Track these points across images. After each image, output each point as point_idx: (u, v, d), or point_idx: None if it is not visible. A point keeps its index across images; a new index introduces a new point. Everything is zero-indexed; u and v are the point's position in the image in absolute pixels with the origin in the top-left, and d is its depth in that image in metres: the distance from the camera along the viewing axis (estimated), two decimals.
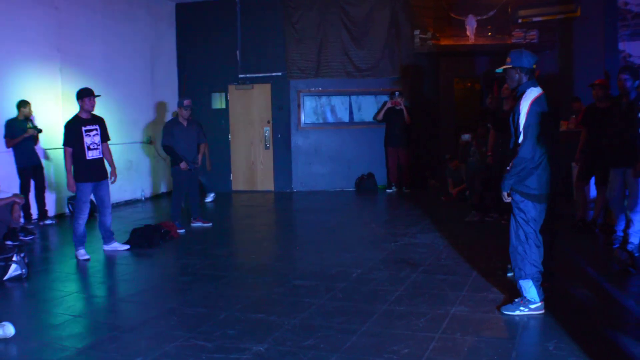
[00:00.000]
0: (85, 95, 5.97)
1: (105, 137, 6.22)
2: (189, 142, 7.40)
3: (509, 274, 4.74)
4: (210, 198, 9.89)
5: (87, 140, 6.00)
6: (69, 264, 5.93)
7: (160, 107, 10.88)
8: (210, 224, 7.67)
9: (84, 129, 5.98)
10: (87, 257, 5.94)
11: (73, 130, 5.95)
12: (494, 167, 6.87)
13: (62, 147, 5.98)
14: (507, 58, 4.03)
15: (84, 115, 6.03)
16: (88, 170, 6.00)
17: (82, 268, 5.73)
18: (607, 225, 6.27)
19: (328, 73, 10.62)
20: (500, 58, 4.22)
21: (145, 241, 6.42)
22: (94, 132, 6.07)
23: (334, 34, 10.54)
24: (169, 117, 10.94)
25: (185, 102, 7.41)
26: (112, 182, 6.25)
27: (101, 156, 6.15)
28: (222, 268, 5.57)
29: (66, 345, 3.66)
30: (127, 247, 6.36)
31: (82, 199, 6.02)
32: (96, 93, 6.08)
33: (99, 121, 6.17)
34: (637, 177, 5.31)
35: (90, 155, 6.01)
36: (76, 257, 5.96)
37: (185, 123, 7.40)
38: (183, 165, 7.30)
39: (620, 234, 5.58)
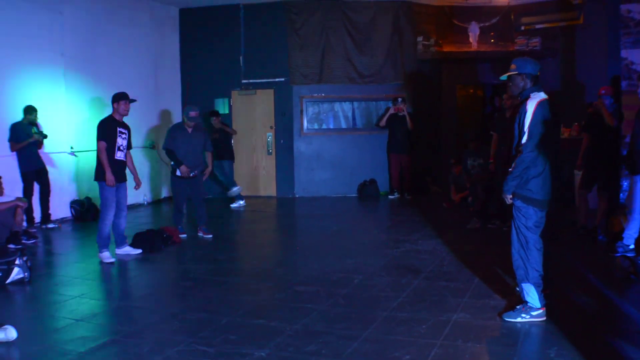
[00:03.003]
0: (121, 99, 6.08)
1: (129, 144, 6.33)
2: (190, 149, 7.12)
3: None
4: (236, 204, 9.78)
5: (119, 140, 6.10)
6: (71, 268, 5.95)
7: (164, 112, 10.91)
8: (211, 236, 7.17)
9: (119, 129, 6.10)
10: (111, 260, 5.95)
11: (110, 127, 6.04)
12: (496, 173, 6.88)
13: (97, 141, 6.00)
14: (511, 65, 4.04)
15: (118, 117, 6.14)
16: (114, 170, 6.02)
17: (84, 272, 5.74)
18: (609, 232, 6.27)
19: (331, 79, 10.64)
20: (502, 65, 4.23)
21: (147, 246, 6.43)
22: (125, 135, 6.19)
23: (336, 40, 10.56)
24: (172, 121, 10.97)
25: (192, 113, 7.05)
26: (136, 189, 6.45)
27: (125, 159, 6.24)
28: (224, 273, 5.58)
29: (68, 349, 3.66)
30: (139, 251, 6.34)
31: (109, 197, 6.03)
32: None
33: (128, 128, 6.30)
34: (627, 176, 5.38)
35: (118, 155, 6.10)
36: (100, 259, 5.96)
37: (189, 130, 7.16)
38: (183, 168, 7.04)
39: (626, 242, 5.56)
